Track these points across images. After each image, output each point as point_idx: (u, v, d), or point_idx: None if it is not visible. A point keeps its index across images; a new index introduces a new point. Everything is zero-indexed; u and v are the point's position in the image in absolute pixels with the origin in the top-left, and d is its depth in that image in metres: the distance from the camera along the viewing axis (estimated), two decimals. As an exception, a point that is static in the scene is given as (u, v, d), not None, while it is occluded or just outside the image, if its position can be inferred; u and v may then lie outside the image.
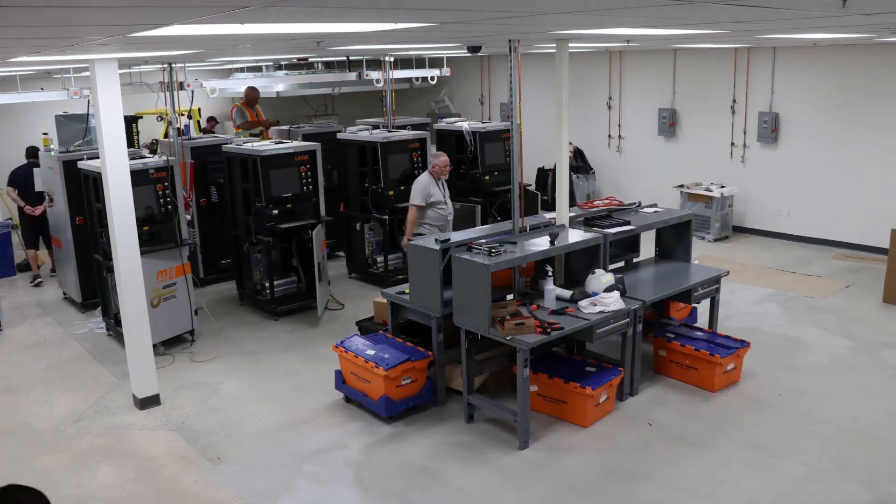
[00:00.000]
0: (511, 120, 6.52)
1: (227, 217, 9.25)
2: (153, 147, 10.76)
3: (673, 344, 6.56)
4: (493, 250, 5.88)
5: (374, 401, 5.99)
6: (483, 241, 6.20)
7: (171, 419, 6.20)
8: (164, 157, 7.67)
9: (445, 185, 8.09)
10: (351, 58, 10.50)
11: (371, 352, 6.10)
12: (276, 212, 8.14)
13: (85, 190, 8.00)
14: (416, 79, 11.37)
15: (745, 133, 11.54)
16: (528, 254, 6.11)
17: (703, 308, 7.47)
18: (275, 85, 12.62)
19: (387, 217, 9.28)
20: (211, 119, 14.52)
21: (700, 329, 6.96)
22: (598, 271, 6.16)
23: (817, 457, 5.37)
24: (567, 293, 6.15)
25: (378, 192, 9.23)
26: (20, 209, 9.97)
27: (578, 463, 5.37)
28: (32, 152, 9.94)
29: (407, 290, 6.44)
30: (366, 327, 7.38)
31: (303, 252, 8.68)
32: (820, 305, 8.42)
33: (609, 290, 5.99)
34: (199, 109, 13.78)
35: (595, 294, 5.99)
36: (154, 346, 6.72)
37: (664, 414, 6.05)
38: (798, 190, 11.10)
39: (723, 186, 11.49)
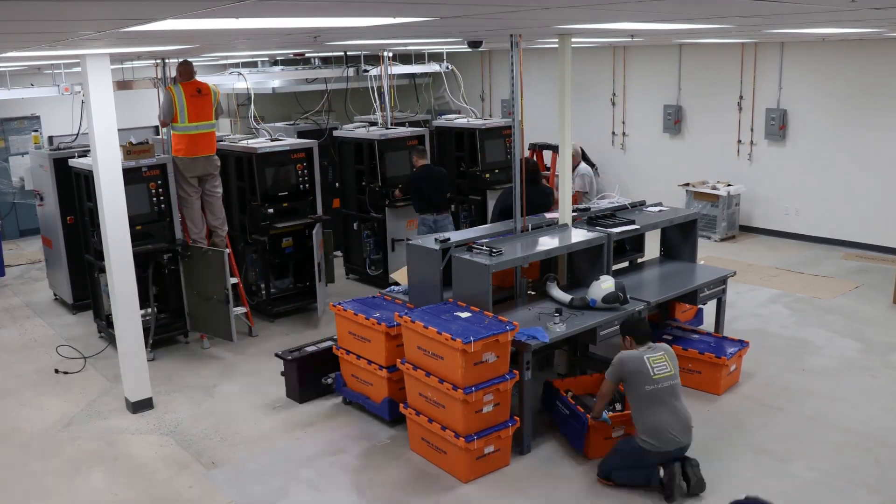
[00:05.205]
0: (513, 116, 6.39)
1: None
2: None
3: (675, 348, 6.39)
4: (494, 250, 5.75)
5: (377, 403, 5.88)
6: (484, 240, 6.07)
7: (165, 423, 6.07)
8: (157, 155, 7.52)
9: None
10: (349, 53, 10.33)
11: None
12: (271, 210, 8.00)
13: (76, 188, 7.84)
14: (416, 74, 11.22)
15: (752, 130, 11.37)
16: (530, 254, 5.97)
17: (708, 309, 7.33)
18: (271, 81, 12.46)
19: (384, 216, 9.14)
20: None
21: (696, 330, 6.84)
22: (603, 277, 5.97)
23: (826, 461, 5.27)
24: (566, 297, 6.00)
25: (376, 191, 9.08)
26: None
27: (582, 468, 5.25)
28: None
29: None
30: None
31: (301, 251, 8.51)
32: (828, 306, 8.27)
33: (608, 298, 5.82)
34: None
35: (594, 302, 5.82)
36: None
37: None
38: (806, 188, 10.94)
39: (729, 185, 11.33)
